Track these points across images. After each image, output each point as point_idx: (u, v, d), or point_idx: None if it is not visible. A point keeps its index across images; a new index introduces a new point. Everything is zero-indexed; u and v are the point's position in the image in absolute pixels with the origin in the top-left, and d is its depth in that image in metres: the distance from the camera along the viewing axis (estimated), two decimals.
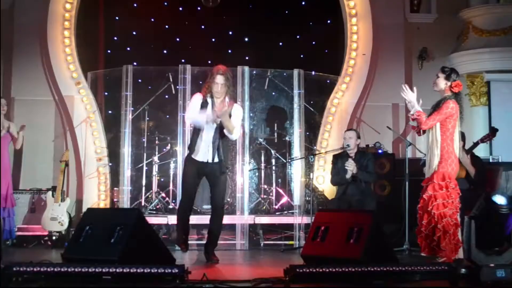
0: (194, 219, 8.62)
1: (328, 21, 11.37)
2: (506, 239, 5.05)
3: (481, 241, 4.95)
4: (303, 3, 11.49)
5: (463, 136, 7.48)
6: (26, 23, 9.82)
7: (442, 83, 6.29)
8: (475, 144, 7.96)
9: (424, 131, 6.29)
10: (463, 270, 4.96)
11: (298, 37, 11.54)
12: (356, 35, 10.27)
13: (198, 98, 6.72)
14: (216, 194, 6.77)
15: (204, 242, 7.06)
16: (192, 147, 6.70)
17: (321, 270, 4.71)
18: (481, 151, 9.66)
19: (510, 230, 5.10)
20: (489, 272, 4.78)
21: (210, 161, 6.63)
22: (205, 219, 8.30)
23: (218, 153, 6.64)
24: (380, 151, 9.17)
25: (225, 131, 6.57)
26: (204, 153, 6.62)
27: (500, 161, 9.62)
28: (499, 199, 5.08)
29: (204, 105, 6.66)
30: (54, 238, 8.48)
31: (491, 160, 9.67)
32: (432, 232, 5.99)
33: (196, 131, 6.73)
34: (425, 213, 6.07)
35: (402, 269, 4.93)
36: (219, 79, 6.62)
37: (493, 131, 8.16)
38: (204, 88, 6.77)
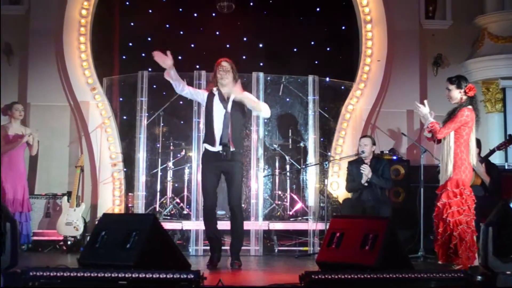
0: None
1: (343, 27, 11.36)
2: None
3: (498, 248, 4.92)
4: (318, 9, 11.49)
5: (478, 143, 7.45)
6: (42, 29, 9.88)
7: (457, 93, 6.27)
8: (491, 152, 7.93)
9: (440, 141, 6.28)
10: (479, 278, 4.95)
11: (312, 43, 11.54)
12: (371, 41, 10.26)
13: (203, 93, 7.00)
14: (231, 193, 6.80)
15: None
16: (206, 137, 6.83)
17: (336, 277, 4.70)
18: (496, 158, 9.63)
19: None
20: (506, 280, 4.76)
21: (222, 150, 6.67)
22: (225, 225, 8.36)
23: (233, 140, 6.71)
24: (395, 157, 9.15)
25: (254, 112, 6.84)
26: (217, 141, 6.71)
27: None
28: None
29: (209, 98, 6.84)
30: (69, 243, 8.52)
31: (506, 167, 9.62)
32: (448, 240, 5.97)
33: (208, 120, 6.84)
34: (441, 221, 6.06)
35: (417, 276, 4.92)
36: (224, 64, 6.85)
37: (510, 139, 8.12)
38: (210, 83, 7.01)
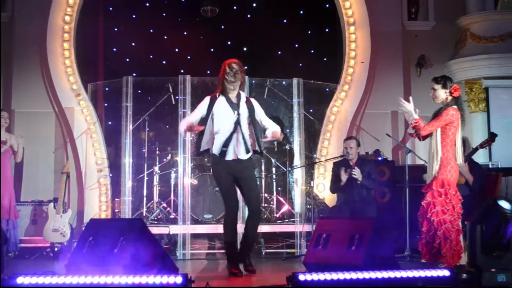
0: (198, 229, 8.70)
1: (327, 30, 11.42)
2: (508, 244, 5.08)
3: (485, 246, 4.98)
4: (302, 12, 11.53)
5: (463, 142, 7.51)
6: (25, 35, 9.87)
7: (442, 93, 6.30)
8: (474, 150, 7.99)
9: (424, 137, 6.33)
10: (464, 276, 4.99)
11: (296, 46, 11.59)
12: (355, 43, 10.32)
13: (204, 102, 6.59)
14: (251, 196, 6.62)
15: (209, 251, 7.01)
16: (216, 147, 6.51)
17: (323, 277, 4.73)
18: (480, 157, 9.71)
19: (510, 235, 5.13)
20: (491, 277, 4.81)
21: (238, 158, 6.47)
22: (212, 229, 8.38)
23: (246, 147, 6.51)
24: (380, 158, 9.21)
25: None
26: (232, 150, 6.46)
27: (499, 166, 9.65)
28: (505, 204, 5.10)
29: (212, 102, 6.52)
30: (56, 249, 8.50)
31: (490, 166, 9.70)
32: (432, 239, 6.02)
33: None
34: (425, 220, 6.10)
35: (404, 275, 4.95)
36: (234, 65, 6.45)
37: (492, 137, 8.18)
38: (218, 86, 6.59)
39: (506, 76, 10.71)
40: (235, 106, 6.49)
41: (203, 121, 6.52)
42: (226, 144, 6.41)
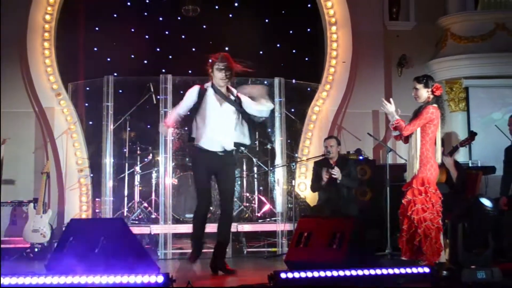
0: (179, 228, 8.68)
1: (308, 30, 11.44)
2: (487, 241, 5.12)
3: (467, 243, 5.02)
4: (283, 12, 11.54)
5: (442, 142, 7.55)
6: (5, 34, 9.75)
7: (424, 92, 6.32)
8: (455, 149, 8.03)
9: (406, 138, 6.35)
10: (444, 273, 5.03)
11: (278, 45, 11.60)
12: (336, 43, 10.35)
13: (191, 92, 6.51)
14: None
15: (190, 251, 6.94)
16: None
17: (304, 275, 4.74)
18: (460, 156, 9.78)
19: None
20: (470, 274, 4.85)
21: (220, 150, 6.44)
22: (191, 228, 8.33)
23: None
24: (361, 157, 9.23)
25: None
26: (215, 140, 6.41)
27: (479, 165, 9.72)
28: (486, 202, 5.14)
29: (201, 92, 6.45)
30: (36, 250, 8.44)
31: (470, 165, 9.76)
32: (412, 237, 6.04)
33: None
34: (405, 218, 6.12)
35: (385, 273, 4.97)
36: (223, 67, 6.40)
37: (472, 135, 8.24)
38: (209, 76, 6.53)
39: (486, 76, 10.78)
40: (223, 98, 6.46)
41: (192, 110, 6.50)
42: (212, 135, 6.37)
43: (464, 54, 10.77)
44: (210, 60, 6.51)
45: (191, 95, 6.50)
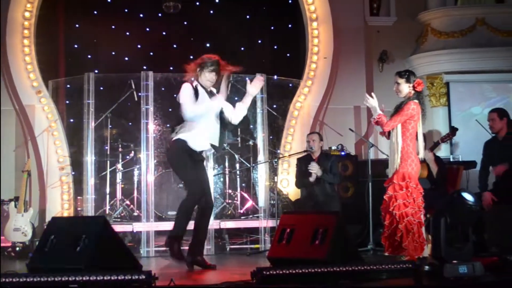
0: (162, 226, 8.64)
1: (289, 26, 11.44)
2: (467, 236, 5.15)
3: (449, 237, 5.05)
4: (264, 8, 11.54)
5: (424, 137, 7.59)
6: None
7: (406, 87, 6.35)
8: (436, 144, 8.07)
9: (388, 133, 6.38)
10: (426, 268, 5.05)
11: (259, 41, 11.60)
12: (317, 39, 10.36)
13: (190, 89, 6.39)
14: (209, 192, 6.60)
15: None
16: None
17: (287, 272, 4.74)
18: (442, 151, 9.83)
19: None
20: (452, 269, 4.87)
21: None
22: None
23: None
24: (343, 153, 9.26)
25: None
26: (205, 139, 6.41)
27: (460, 160, 9.78)
28: (468, 196, 5.17)
29: (195, 90, 6.39)
30: (17, 249, 8.37)
31: (451, 160, 9.83)
32: (394, 232, 6.07)
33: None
34: (387, 213, 6.15)
35: (367, 268, 4.99)
36: (215, 70, 6.43)
37: (453, 130, 8.29)
38: (192, 74, 6.49)
39: (466, 71, 10.86)
40: (213, 99, 6.47)
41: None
42: (202, 134, 6.37)
43: (444, 49, 10.84)
44: (202, 60, 6.49)
45: (192, 93, 6.39)
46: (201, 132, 6.39)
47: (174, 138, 6.45)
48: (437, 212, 5.27)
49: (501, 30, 10.78)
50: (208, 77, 6.44)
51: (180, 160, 6.43)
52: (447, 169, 8.17)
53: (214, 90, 6.60)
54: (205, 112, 6.34)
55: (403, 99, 6.37)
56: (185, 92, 6.37)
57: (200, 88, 6.44)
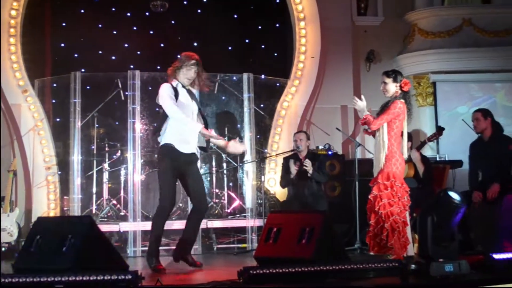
0: (148, 226, 8.60)
1: (277, 25, 11.44)
2: (453, 234, 5.18)
3: (436, 236, 5.07)
4: (252, 7, 11.53)
5: (410, 137, 7.61)
6: None
7: (393, 87, 6.37)
8: (423, 144, 8.11)
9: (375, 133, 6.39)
10: (413, 266, 5.06)
11: (247, 41, 11.58)
12: (305, 38, 10.37)
13: (170, 88, 6.33)
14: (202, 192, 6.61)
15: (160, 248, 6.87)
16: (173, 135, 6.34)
17: (274, 271, 4.74)
18: (428, 150, 9.87)
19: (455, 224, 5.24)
20: (438, 267, 4.88)
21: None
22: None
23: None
24: (330, 152, 9.27)
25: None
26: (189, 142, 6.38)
27: (447, 159, 9.82)
28: (455, 195, 5.19)
29: (175, 90, 6.34)
30: (3, 249, 8.32)
31: (438, 159, 9.86)
32: (380, 231, 6.09)
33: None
34: (373, 213, 6.17)
35: (354, 267, 5.00)
36: (195, 68, 6.41)
37: (439, 130, 8.32)
38: (172, 73, 6.45)
39: (453, 71, 10.90)
40: (191, 97, 6.46)
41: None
42: (186, 135, 6.34)
43: (431, 49, 10.88)
44: (180, 58, 6.47)
45: (172, 93, 6.33)
46: (188, 134, 6.36)
47: (161, 143, 6.41)
48: (424, 211, 5.30)
49: (488, 30, 10.84)
50: (187, 74, 6.40)
51: (162, 167, 6.44)
52: (434, 168, 8.20)
53: (194, 91, 6.60)
54: (185, 122, 6.29)
55: (390, 98, 6.39)
56: (164, 93, 6.32)
57: (180, 88, 6.40)
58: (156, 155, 6.64)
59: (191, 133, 6.38)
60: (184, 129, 6.32)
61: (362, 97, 6.35)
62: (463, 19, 10.90)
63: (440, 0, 11.31)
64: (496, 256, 5.28)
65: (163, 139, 6.39)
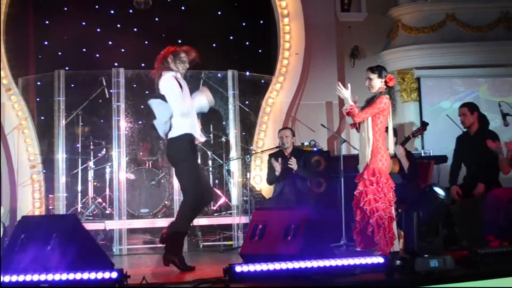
0: (135, 224, 8.62)
1: (261, 22, 11.44)
2: (437, 229, 5.21)
3: (422, 232, 5.09)
4: (236, 4, 11.52)
5: (395, 132, 7.63)
6: None
7: (378, 83, 6.36)
8: (407, 139, 8.12)
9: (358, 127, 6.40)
10: (398, 262, 5.08)
11: (231, 38, 11.57)
12: (289, 34, 10.37)
13: (175, 80, 6.15)
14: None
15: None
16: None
17: (259, 268, 4.75)
18: (413, 146, 9.91)
19: None
20: (423, 263, 4.91)
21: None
22: (148, 223, 8.32)
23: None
24: (315, 148, 9.28)
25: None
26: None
27: (431, 154, 9.85)
28: (440, 191, 5.22)
29: (178, 81, 6.21)
30: None
31: (423, 154, 9.90)
32: (365, 227, 6.10)
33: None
34: (358, 209, 6.17)
35: (339, 263, 5.00)
36: (187, 59, 6.29)
37: (423, 125, 8.34)
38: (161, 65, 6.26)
39: (437, 66, 10.96)
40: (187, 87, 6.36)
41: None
42: (199, 125, 6.33)
43: (415, 45, 10.93)
44: (175, 49, 6.32)
45: (177, 84, 6.17)
46: (197, 124, 6.31)
47: (177, 134, 6.16)
48: (409, 207, 5.31)
49: (471, 25, 10.90)
50: (181, 66, 6.26)
51: (189, 157, 6.20)
52: (418, 164, 8.22)
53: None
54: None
55: (375, 94, 6.39)
56: (172, 86, 6.13)
57: (181, 80, 6.25)
58: (168, 148, 6.31)
59: (198, 123, 6.36)
60: (194, 120, 6.27)
61: (348, 85, 6.33)
62: (447, 14, 10.97)
63: None
64: (481, 251, 5.32)
65: (177, 130, 6.15)
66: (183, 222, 6.18)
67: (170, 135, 6.17)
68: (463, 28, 10.92)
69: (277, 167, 8.14)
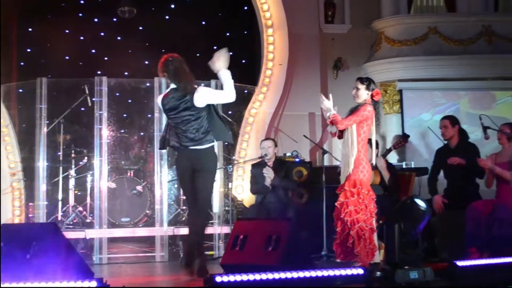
0: (115, 233, 8.57)
1: (245, 32, 11.48)
2: (417, 241, 5.23)
3: (402, 243, 5.12)
4: (220, 14, 11.55)
5: (376, 144, 7.66)
6: None
7: (364, 94, 6.37)
8: (388, 151, 8.15)
9: (340, 136, 6.40)
10: (378, 273, 5.10)
11: (215, 47, 11.51)
12: (273, 45, 10.40)
13: None
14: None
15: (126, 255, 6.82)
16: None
17: (240, 278, 4.74)
18: (394, 158, 9.95)
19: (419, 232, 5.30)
20: (403, 274, 4.93)
21: None
22: (129, 232, 8.28)
23: None
24: (297, 159, 9.29)
25: None
26: None
27: (412, 166, 9.90)
28: (421, 202, 5.25)
29: None
30: None
31: (404, 166, 9.94)
32: (346, 239, 6.10)
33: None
34: (339, 220, 6.17)
35: (319, 274, 5.01)
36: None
37: (404, 137, 8.38)
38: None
39: (419, 79, 11.04)
40: None
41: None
42: None
43: (397, 57, 11.01)
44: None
45: None
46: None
47: (212, 144, 6.35)
48: (390, 218, 5.34)
49: (453, 39, 11.01)
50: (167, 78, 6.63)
51: (215, 169, 6.40)
52: (399, 176, 8.25)
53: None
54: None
55: (359, 104, 6.41)
56: (209, 88, 6.78)
57: None
58: (205, 155, 6.33)
59: None
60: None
61: (330, 96, 6.34)
62: (429, 28, 11.06)
63: (406, 9, 11.44)
64: (460, 263, 5.35)
65: (211, 141, 6.35)
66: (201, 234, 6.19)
67: (209, 144, 6.32)
68: (445, 42, 11.02)
69: (268, 179, 8.12)
